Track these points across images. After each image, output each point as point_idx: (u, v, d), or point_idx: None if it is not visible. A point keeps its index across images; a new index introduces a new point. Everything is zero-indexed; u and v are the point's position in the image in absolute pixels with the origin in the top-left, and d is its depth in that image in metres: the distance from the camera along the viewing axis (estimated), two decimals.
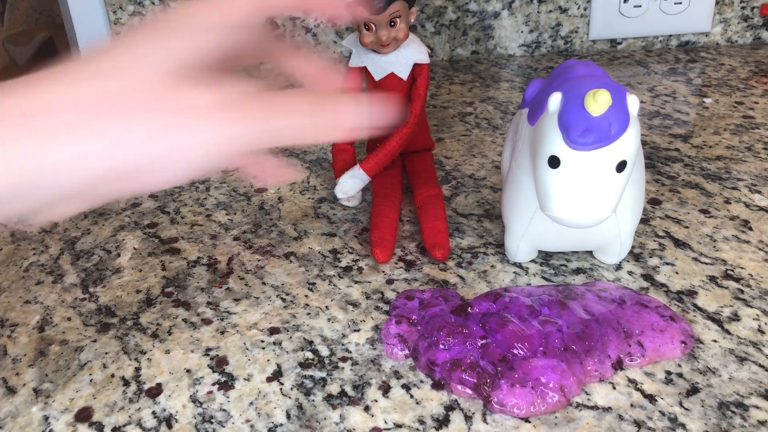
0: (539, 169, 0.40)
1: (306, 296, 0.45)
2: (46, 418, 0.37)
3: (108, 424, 0.37)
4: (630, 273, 0.46)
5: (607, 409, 0.36)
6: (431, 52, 0.87)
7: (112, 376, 0.40)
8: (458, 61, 0.88)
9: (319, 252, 0.50)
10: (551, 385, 0.36)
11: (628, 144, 0.39)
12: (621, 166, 0.39)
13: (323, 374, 0.39)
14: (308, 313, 0.44)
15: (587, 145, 0.38)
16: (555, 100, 0.41)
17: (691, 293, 0.44)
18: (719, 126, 0.67)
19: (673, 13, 0.86)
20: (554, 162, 0.40)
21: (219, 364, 0.40)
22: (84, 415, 0.37)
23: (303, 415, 0.37)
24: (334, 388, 0.38)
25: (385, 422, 0.36)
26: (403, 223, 0.53)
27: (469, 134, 0.68)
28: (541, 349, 0.37)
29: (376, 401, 0.37)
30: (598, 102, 0.38)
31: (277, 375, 0.39)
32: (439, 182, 0.58)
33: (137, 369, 0.40)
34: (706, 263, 0.47)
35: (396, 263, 0.48)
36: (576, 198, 0.39)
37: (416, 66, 0.54)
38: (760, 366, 0.38)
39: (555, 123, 0.39)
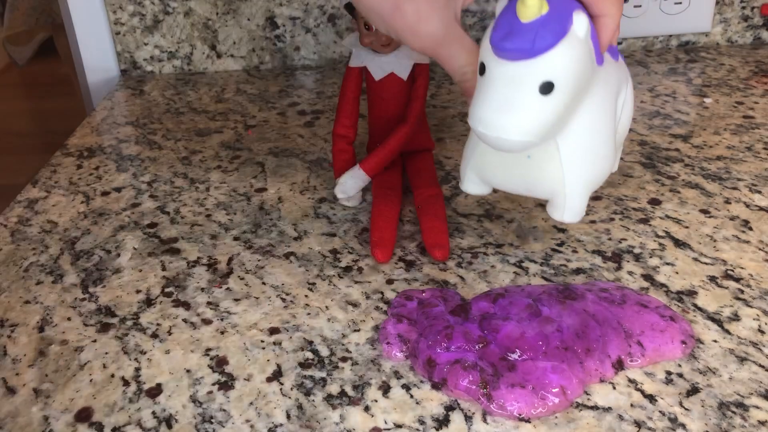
0: (477, 76, 0.39)
1: (306, 296, 0.45)
2: (46, 418, 0.37)
3: (108, 425, 0.37)
4: (630, 273, 0.46)
5: (607, 410, 0.36)
6: None
7: (112, 376, 0.40)
8: None
9: (319, 252, 0.50)
10: (552, 386, 0.36)
11: (557, 63, 0.36)
12: (546, 88, 0.36)
13: (323, 374, 0.39)
14: (308, 313, 0.44)
15: (505, 51, 0.36)
16: (500, 5, 0.38)
17: (691, 293, 0.44)
18: (719, 126, 0.67)
19: (673, 13, 0.86)
20: (482, 69, 0.37)
21: (219, 364, 0.40)
22: (84, 415, 0.37)
23: (303, 415, 0.37)
24: (334, 388, 0.38)
25: (385, 422, 0.36)
26: (403, 223, 0.53)
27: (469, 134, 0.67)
28: (541, 349, 0.37)
29: (376, 401, 0.37)
30: (527, 5, 0.35)
31: (277, 375, 0.39)
32: (439, 182, 0.58)
33: (137, 369, 0.40)
34: (707, 263, 0.47)
35: (396, 263, 0.48)
36: (493, 111, 0.36)
37: (416, 66, 0.54)
38: (761, 366, 0.38)
39: (491, 28, 0.37)
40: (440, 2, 0.39)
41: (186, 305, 0.45)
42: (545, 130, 0.37)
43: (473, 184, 0.45)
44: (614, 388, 0.37)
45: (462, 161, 0.45)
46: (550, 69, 0.36)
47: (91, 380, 0.39)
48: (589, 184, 0.42)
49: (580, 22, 0.36)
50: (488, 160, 0.43)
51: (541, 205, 0.54)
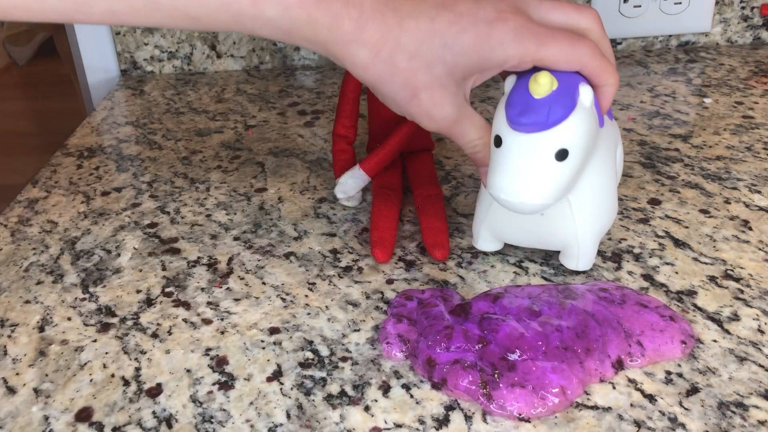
0: (491, 148, 0.41)
1: (306, 296, 0.45)
2: (46, 418, 0.37)
3: (108, 424, 0.37)
4: (630, 273, 0.46)
5: (607, 409, 0.36)
6: None
7: (112, 376, 0.40)
8: None
9: (319, 252, 0.50)
10: (552, 386, 0.36)
11: (570, 132, 0.39)
12: (561, 155, 0.39)
13: (323, 374, 0.39)
14: (308, 313, 0.44)
15: (522, 125, 0.39)
16: (509, 82, 0.42)
17: (691, 293, 0.44)
18: (719, 126, 0.67)
19: (673, 13, 0.86)
20: (498, 141, 0.40)
21: (219, 364, 0.40)
22: (84, 415, 0.37)
23: (303, 414, 0.37)
24: (334, 388, 0.38)
25: (385, 422, 0.36)
26: (403, 223, 0.53)
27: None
28: (541, 349, 0.37)
29: (376, 401, 0.37)
30: (539, 84, 0.38)
31: (277, 375, 0.39)
32: (439, 182, 0.58)
33: (137, 369, 0.40)
34: (706, 263, 0.47)
35: (396, 263, 0.48)
36: (512, 179, 0.39)
37: None
38: (760, 366, 0.38)
39: (504, 103, 0.40)
40: (452, 88, 0.41)
41: (186, 305, 0.45)
42: (562, 192, 0.40)
43: (487, 242, 0.47)
44: (614, 388, 0.37)
45: (474, 221, 0.47)
46: (564, 138, 0.39)
47: (91, 380, 0.39)
48: (599, 233, 0.45)
49: (586, 93, 0.40)
50: (501, 218, 0.45)
51: None
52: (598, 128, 0.41)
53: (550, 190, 0.39)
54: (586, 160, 0.41)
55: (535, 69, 0.40)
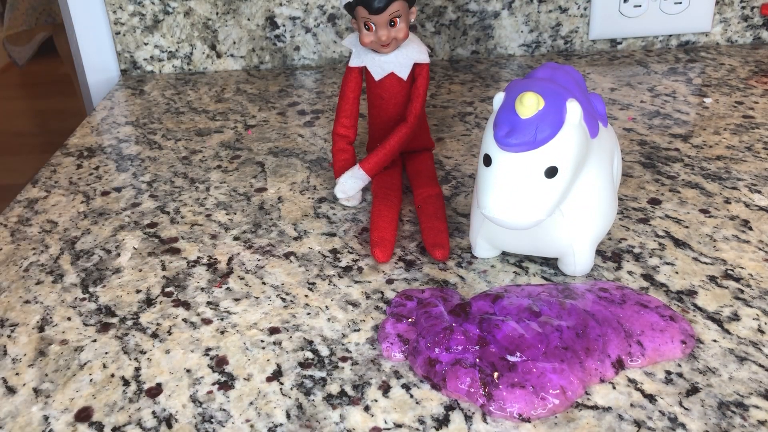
0: (478, 166, 0.41)
1: (306, 296, 0.45)
2: (46, 418, 0.37)
3: (108, 424, 0.37)
4: (630, 273, 0.46)
5: (607, 409, 0.36)
6: (431, 52, 0.87)
7: (112, 376, 0.40)
8: (458, 61, 0.88)
9: (319, 252, 0.50)
10: (552, 386, 0.36)
11: (558, 150, 0.39)
12: (551, 172, 0.39)
13: (323, 374, 0.39)
14: (308, 313, 0.44)
15: (510, 146, 0.39)
16: (497, 99, 0.42)
17: (691, 293, 0.44)
18: (719, 126, 0.67)
19: (673, 13, 0.86)
20: (487, 160, 0.40)
21: (219, 363, 0.40)
22: (84, 415, 0.37)
23: (303, 414, 0.37)
24: (334, 388, 0.38)
25: (385, 422, 0.36)
26: (403, 223, 0.53)
27: (469, 134, 0.68)
28: (541, 349, 0.37)
29: (376, 401, 0.37)
30: (524, 105, 0.38)
31: (277, 375, 0.39)
32: (439, 182, 0.58)
33: (137, 369, 0.40)
34: (706, 263, 0.47)
35: (396, 263, 0.48)
36: (503, 198, 0.39)
37: (416, 66, 0.54)
38: (760, 366, 0.38)
39: (492, 122, 0.40)
40: None
41: (186, 305, 0.45)
42: (553, 207, 0.40)
43: (484, 249, 0.48)
44: (614, 388, 0.37)
45: (471, 230, 0.48)
46: (553, 155, 0.39)
47: (91, 380, 0.39)
48: (594, 240, 0.45)
49: (573, 110, 0.39)
50: (496, 229, 0.45)
51: None
52: (588, 141, 0.41)
53: (540, 207, 0.40)
54: (577, 172, 0.41)
55: (522, 88, 0.40)
